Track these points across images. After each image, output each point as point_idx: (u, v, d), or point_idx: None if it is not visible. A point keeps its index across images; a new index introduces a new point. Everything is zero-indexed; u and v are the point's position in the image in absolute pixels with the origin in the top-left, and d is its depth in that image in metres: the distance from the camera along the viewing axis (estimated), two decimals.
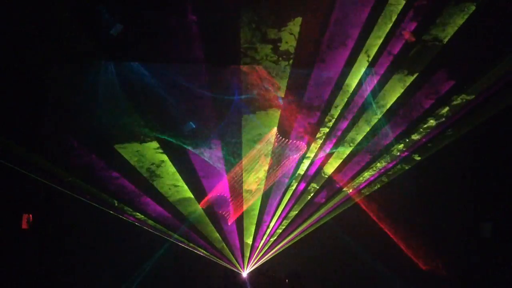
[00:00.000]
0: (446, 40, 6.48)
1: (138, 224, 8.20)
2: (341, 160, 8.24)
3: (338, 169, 8.34)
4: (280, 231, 8.64)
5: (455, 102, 7.17)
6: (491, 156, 7.52)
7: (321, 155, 8.17)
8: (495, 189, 7.42)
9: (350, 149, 8.05)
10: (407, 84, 7.15)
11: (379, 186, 8.36)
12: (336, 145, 8.03)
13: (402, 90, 7.24)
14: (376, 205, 8.45)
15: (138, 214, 8.30)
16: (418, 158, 8.02)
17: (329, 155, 8.18)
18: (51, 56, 6.65)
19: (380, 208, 8.42)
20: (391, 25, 6.33)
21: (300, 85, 7.23)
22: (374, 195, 8.43)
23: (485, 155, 7.58)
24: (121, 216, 8.10)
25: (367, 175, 8.32)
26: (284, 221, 8.63)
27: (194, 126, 6.58)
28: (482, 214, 7.46)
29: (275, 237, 8.65)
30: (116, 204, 8.10)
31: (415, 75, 7.02)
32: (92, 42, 6.57)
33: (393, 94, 7.31)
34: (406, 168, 8.15)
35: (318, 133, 7.90)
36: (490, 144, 7.51)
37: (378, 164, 8.21)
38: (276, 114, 7.64)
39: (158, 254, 8.20)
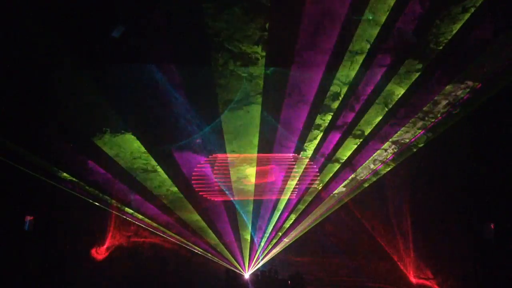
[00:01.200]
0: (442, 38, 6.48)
1: (131, 219, 8.16)
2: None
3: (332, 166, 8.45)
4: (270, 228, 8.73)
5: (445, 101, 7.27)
6: (489, 159, 7.58)
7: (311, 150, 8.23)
8: (492, 195, 7.45)
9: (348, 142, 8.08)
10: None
11: (373, 182, 8.48)
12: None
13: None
14: (371, 213, 8.58)
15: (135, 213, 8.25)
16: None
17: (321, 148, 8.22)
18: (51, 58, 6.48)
19: (375, 215, 8.55)
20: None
21: (279, 83, 7.15)
22: (369, 200, 8.57)
23: (484, 158, 7.66)
24: (118, 214, 8.03)
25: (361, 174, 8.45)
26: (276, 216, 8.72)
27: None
28: (481, 220, 7.50)
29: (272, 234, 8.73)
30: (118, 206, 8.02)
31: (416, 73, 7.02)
32: (90, 44, 6.44)
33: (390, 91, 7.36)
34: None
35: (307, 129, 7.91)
36: (487, 147, 7.58)
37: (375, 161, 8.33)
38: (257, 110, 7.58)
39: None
